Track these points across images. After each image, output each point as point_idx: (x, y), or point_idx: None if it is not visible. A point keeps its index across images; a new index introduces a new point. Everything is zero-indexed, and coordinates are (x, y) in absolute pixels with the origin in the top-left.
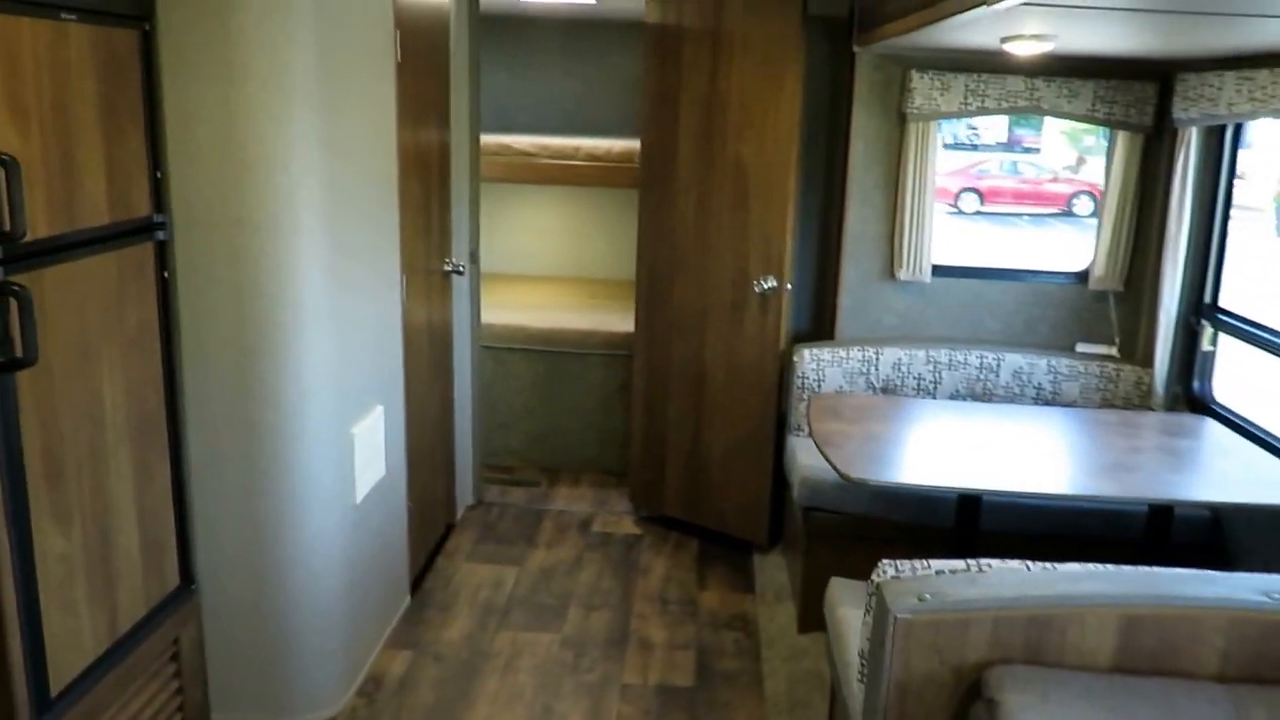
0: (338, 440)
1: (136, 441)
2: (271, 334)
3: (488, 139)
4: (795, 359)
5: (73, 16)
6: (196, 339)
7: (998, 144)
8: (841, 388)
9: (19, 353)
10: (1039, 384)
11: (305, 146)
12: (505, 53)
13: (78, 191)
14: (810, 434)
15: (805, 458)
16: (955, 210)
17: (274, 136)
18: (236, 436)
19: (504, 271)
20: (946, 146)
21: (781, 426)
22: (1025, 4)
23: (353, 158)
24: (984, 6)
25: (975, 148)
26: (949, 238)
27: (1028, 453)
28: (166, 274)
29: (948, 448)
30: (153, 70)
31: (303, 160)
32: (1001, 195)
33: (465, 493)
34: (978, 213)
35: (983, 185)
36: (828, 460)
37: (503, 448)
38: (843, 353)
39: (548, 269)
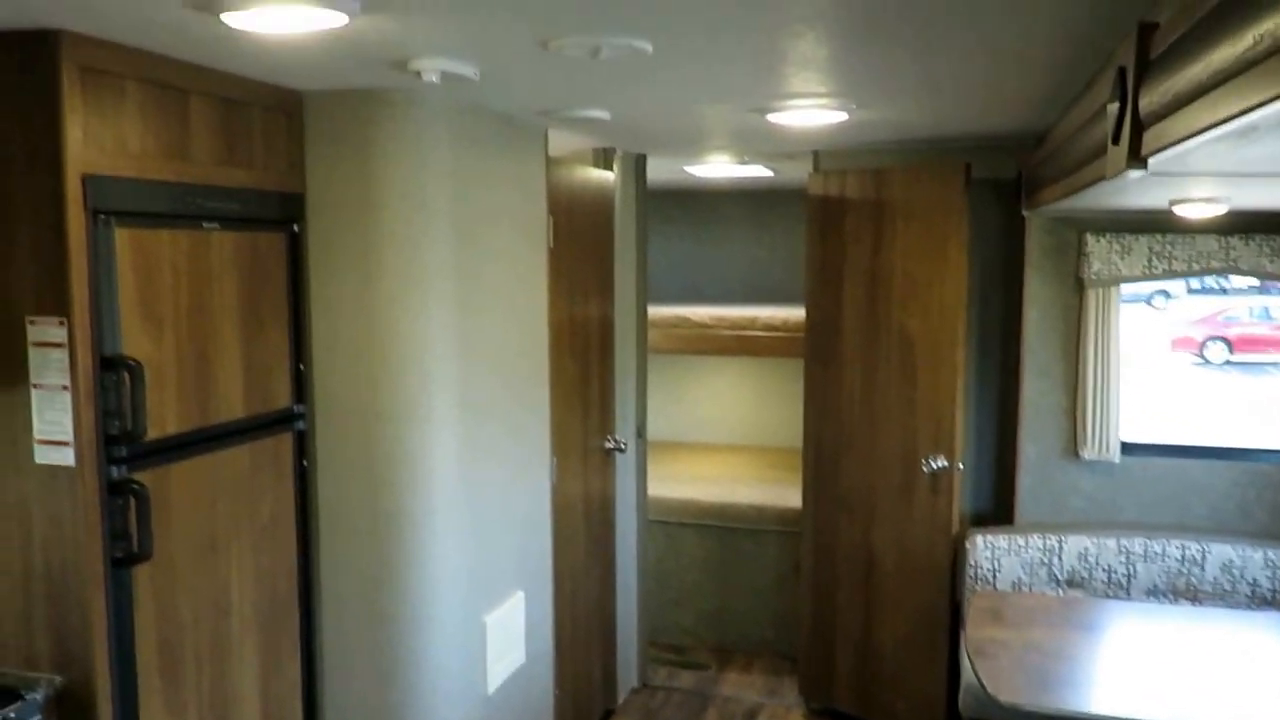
0: (468, 629)
1: (266, 630)
2: (401, 523)
3: (665, 311)
4: (968, 545)
5: (214, 225)
6: (332, 527)
7: (1249, 287)
8: (1020, 580)
9: (135, 548)
10: (1254, 580)
11: (440, 339)
12: (688, 224)
13: (211, 388)
14: (964, 640)
15: None
16: (1201, 361)
17: (409, 331)
18: (367, 625)
19: (681, 440)
20: (1191, 292)
21: (956, 618)
22: (1155, 174)
23: (494, 346)
24: (1103, 181)
25: (1224, 292)
26: (1191, 392)
27: (1235, 673)
28: (305, 463)
29: (1130, 663)
30: (299, 268)
31: (437, 353)
32: (1254, 344)
33: (629, 674)
34: (1227, 363)
35: (1231, 333)
36: (976, 676)
37: (674, 625)
38: (1021, 540)
39: (727, 438)
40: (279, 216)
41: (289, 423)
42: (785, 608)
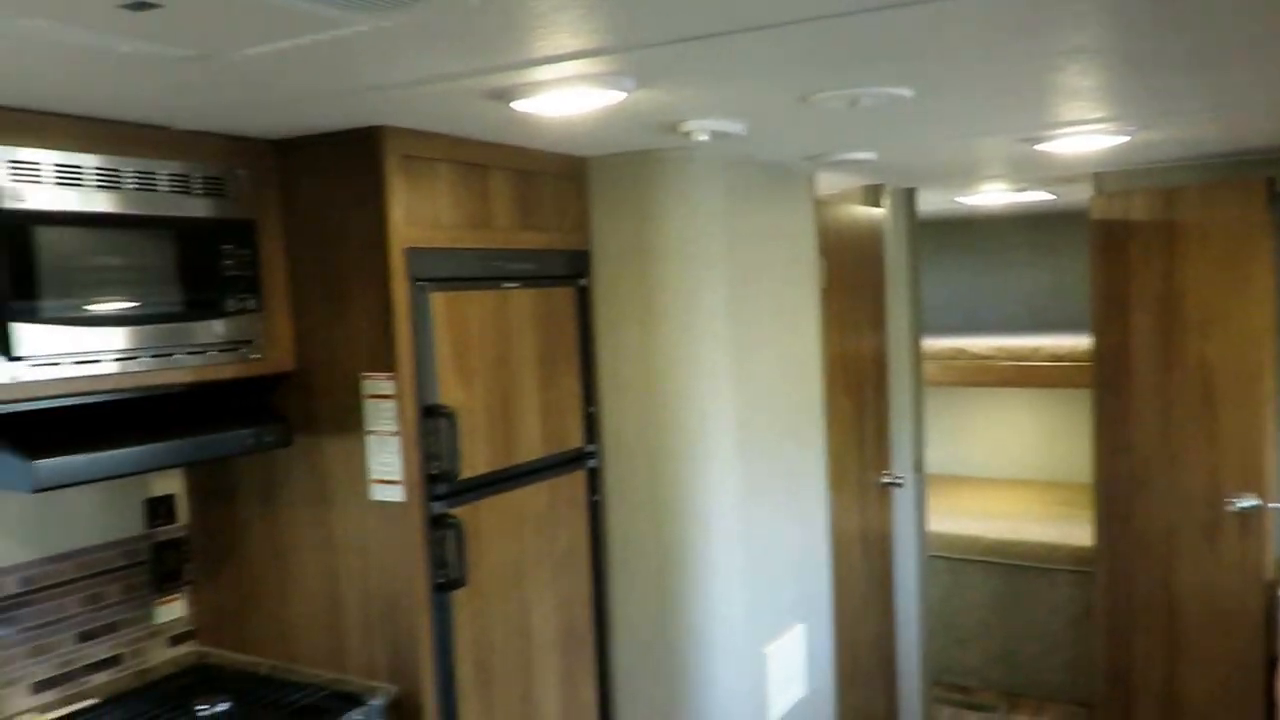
0: (749, 659)
1: (564, 655)
2: (684, 554)
3: (942, 343)
4: None
5: (514, 284)
6: (622, 558)
7: None
8: None
9: (454, 575)
10: None
11: (717, 381)
12: (964, 252)
13: (514, 432)
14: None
15: None
16: None
17: (688, 374)
18: (655, 651)
19: (961, 475)
20: None
21: (1273, 673)
22: None
23: (769, 385)
24: None
25: None
26: None
27: None
28: (597, 498)
29: None
30: (587, 319)
31: (715, 394)
32: None
33: (912, 714)
34: None
35: None
36: None
37: (958, 665)
38: None
39: (1008, 472)
40: (569, 273)
41: (582, 461)
42: (1079, 652)
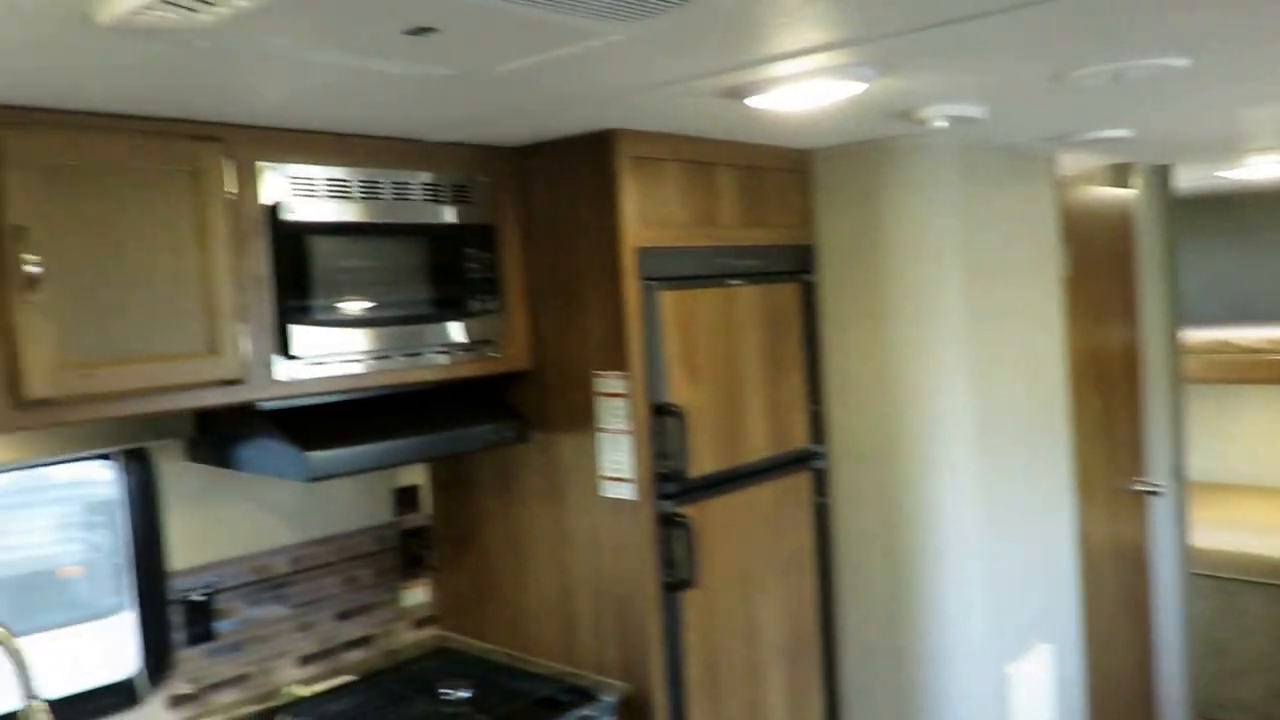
0: (989, 678)
1: (790, 660)
2: (917, 564)
3: (1203, 335)
4: None
5: (739, 281)
6: (852, 565)
7: None
8: None
9: (684, 575)
10: None
11: (951, 380)
12: (1227, 234)
13: (740, 431)
14: None
15: None
16: None
17: (919, 372)
18: (886, 661)
19: (1229, 482)
20: None
21: None
22: None
23: (1007, 383)
24: None
25: None
26: None
27: None
28: (823, 500)
29: None
30: (813, 316)
31: (948, 393)
32: None
33: None
34: None
35: None
36: None
37: (1232, 700)
38: None
39: None
40: (794, 268)
41: (807, 461)
42: None
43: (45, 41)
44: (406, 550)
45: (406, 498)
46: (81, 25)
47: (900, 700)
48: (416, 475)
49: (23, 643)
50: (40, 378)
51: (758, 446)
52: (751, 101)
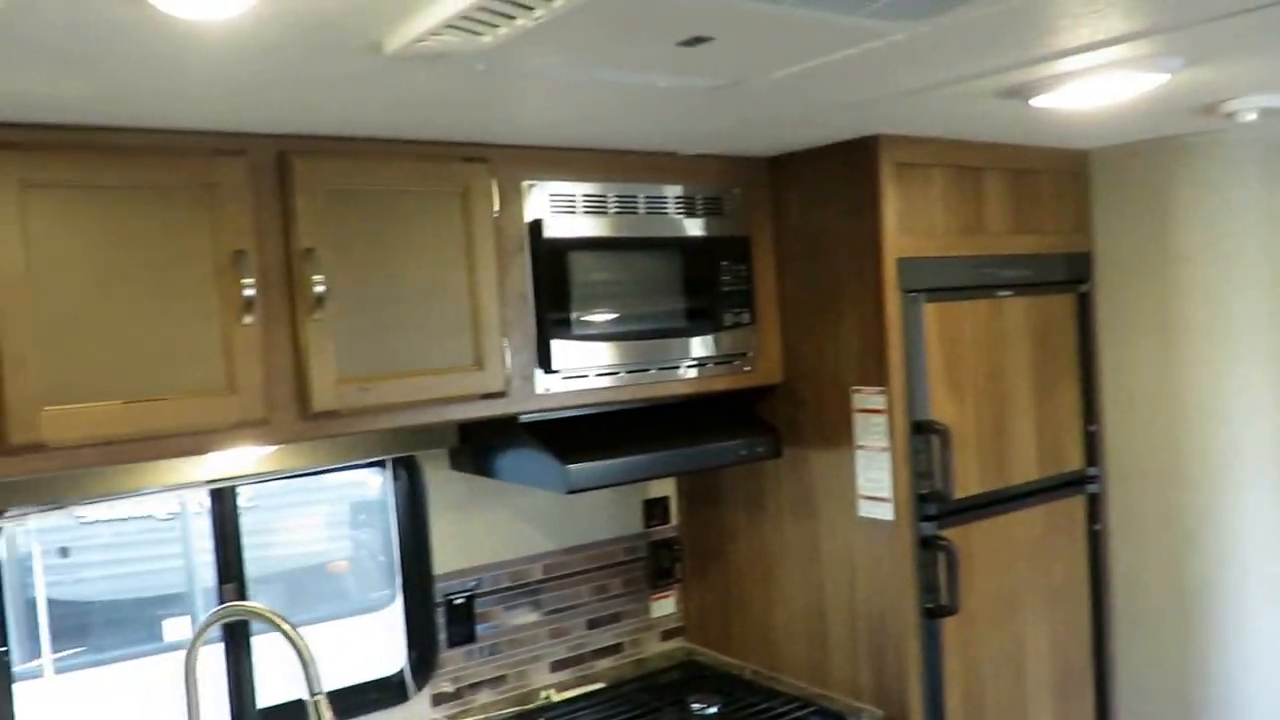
0: None
1: (1058, 696)
2: (1208, 597)
3: None
4: None
5: (1007, 292)
6: (1129, 596)
7: None
8: None
9: (944, 600)
10: None
11: (1254, 399)
12: None
13: (1007, 451)
14: None
15: None
16: None
17: (1214, 389)
18: (1167, 706)
19: None
20: None
21: None
22: None
23: None
24: None
25: None
26: None
27: None
28: (1097, 527)
29: None
30: (1087, 328)
31: (1250, 413)
32: None
33: None
34: None
35: None
36: None
37: None
38: None
39: None
40: (1067, 278)
41: (1081, 485)
42: None
43: (336, 73)
44: (655, 561)
45: (656, 509)
46: (371, 56)
47: None
48: (666, 487)
49: (307, 638)
50: (325, 392)
51: (1026, 468)
52: (1036, 101)
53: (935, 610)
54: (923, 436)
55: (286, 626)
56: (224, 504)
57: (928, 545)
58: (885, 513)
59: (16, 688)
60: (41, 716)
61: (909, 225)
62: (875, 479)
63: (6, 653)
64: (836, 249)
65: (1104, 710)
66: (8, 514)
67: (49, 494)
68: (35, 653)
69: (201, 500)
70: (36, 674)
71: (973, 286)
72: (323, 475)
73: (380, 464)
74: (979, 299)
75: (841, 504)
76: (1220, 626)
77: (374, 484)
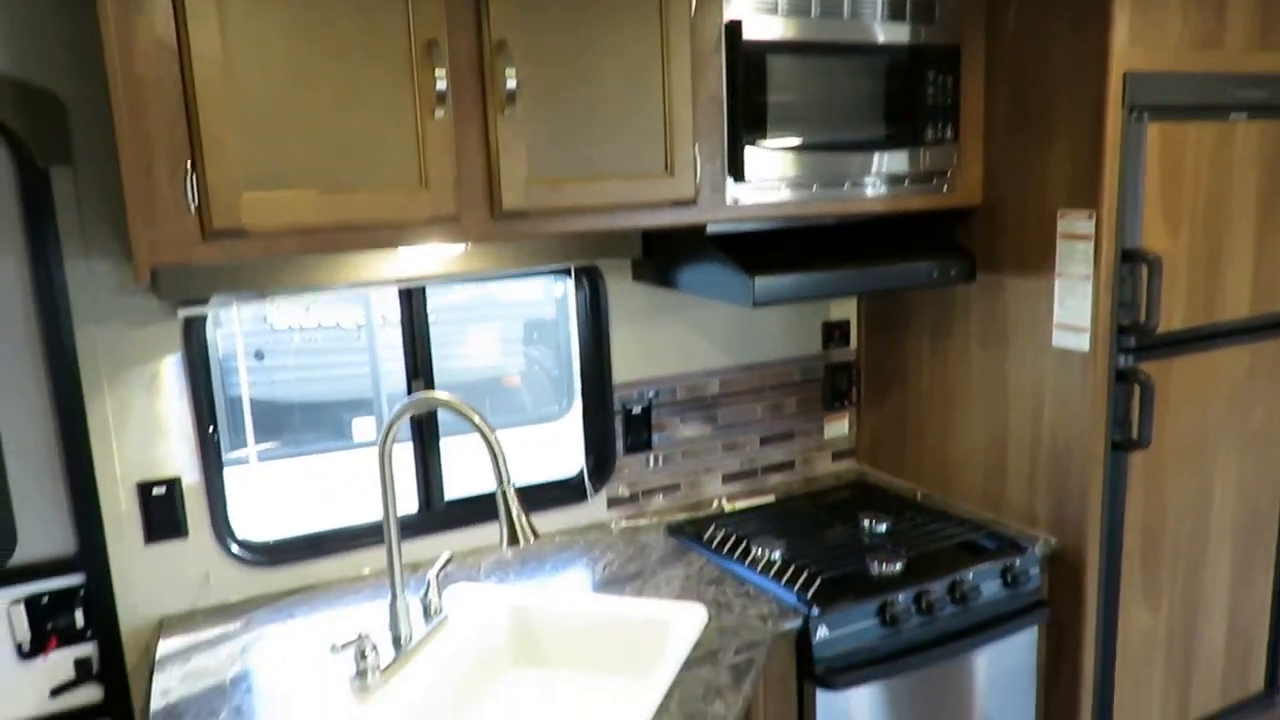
0: None
1: (1241, 541)
2: None
3: None
4: None
5: (1241, 115)
6: None
7: None
8: None
9: (1135, 435)
10: None
11: None
12: None
13: (1218, 285)
14: None
15: None
16: None
17: None
18: None
19: None
20: None
21: None
22: None
23: None
24: None
25: None
26: None
27: None
28: None
29: None
30: None
31: None
32: None
33: None
34: None
35: None
36: None
37: None
38: None
39: None
40: None
41: None
42: None
43: None
44: (831, 384)
45: (836, 332)
46: None
47: None
48: (847, 310)
49: (499, 434)
50: (514, 191)
51: (1238, 305)
52: None
53: (1124, 444)
54: (1130, 265)
55: (477, 418)
56: (413, 306)
57: (1123, 378)
58: (1081, 343)
59: (226, 470)
60: (249, 494)
61: (1140, 36)
62: (1074, 308)
63: (216, 432)
64: (1055, 60)
65: None
66: (212, 300)
67: (249, 283)
68: (239, 444)
69: (387, 313)
70: (243, 460)
71: (1204, 107)
72: (498, 293)
73: (565, 272)
74: (1208, 121)
75: (1034, 333)
76: None
77: (547, 304)
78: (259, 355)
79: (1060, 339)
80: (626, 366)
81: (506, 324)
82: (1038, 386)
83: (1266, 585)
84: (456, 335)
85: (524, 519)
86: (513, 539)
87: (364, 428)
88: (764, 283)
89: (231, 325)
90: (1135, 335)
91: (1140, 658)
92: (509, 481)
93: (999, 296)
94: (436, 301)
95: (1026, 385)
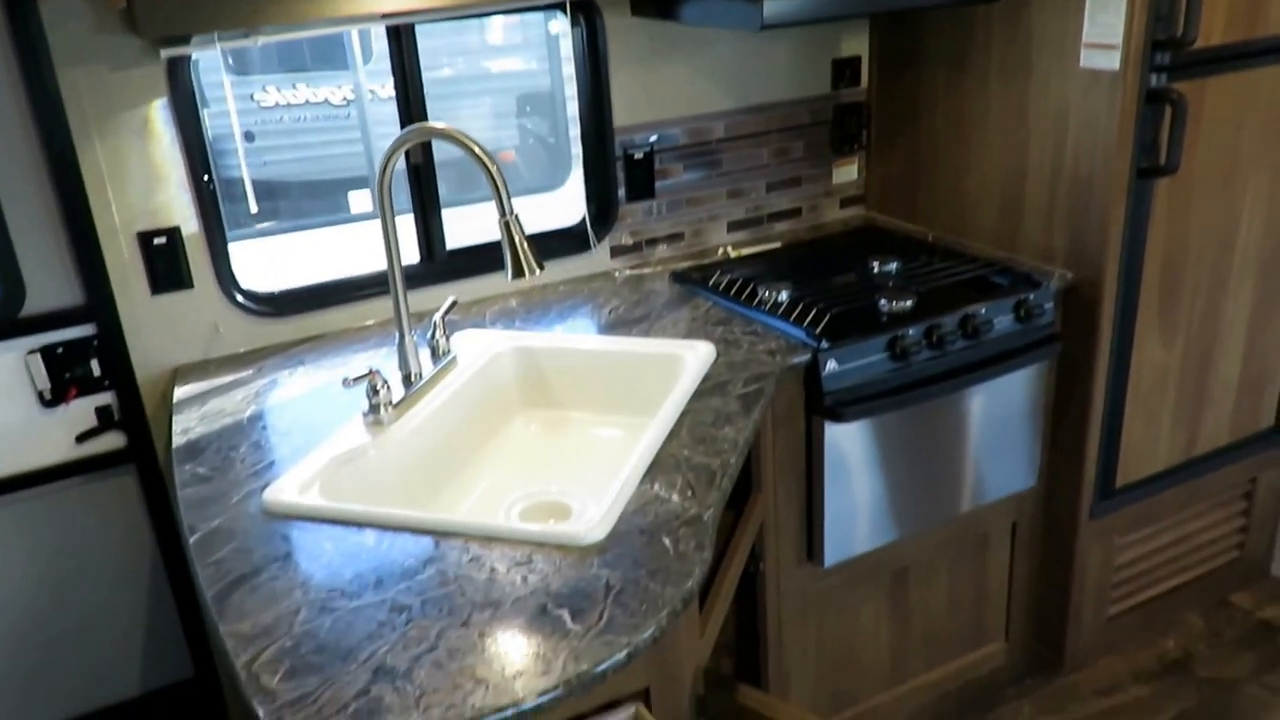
0: None
1: (1265, 273)
2: None
3: None
4: None
5: None
6: None
7: None
8: None
9: (1163, 160)
10: None
11: None
12: None
13: None
14: None
15: None
16: None
17: None
18: None
19: None
20: None
21: None
22: None
23: None
24: None
25: None
26: None
27: None
28: None
29: None
30: None
31: None
32: None
33: None
34: None
35: None
36: None
37: None
38: None
39: None
40: None
41: None
42: None
43: None
44: (841, 126)
45: (846, 70)
46: None
47: None
48: (859, 45)
49: (497, 164)
50: None
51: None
52: None
53: (1150, 170)
54: None
55: (477, 148)
56: (404, 46)
57: (1154, 98)
58: (1111, 61)
59: (231, 245)
60: (253, 266)
61: None
62: (1105, 24)
63: (211, 182)
64: None
65: None
66: (194, 41)
67: (230, 17)
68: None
69: (375, 88)
70: (243, 236)
71: None
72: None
73: (560, 8)
74: None
75: (1060, 56)
76: None
77: (540, 75)
78: (249, 137)
79: (1089, 59)
80: (627, 111)
81: (498, 99)
82: (1061, 115)
83: None
84: (448, 113)
85: (528, 251)
86: (518, 272)
87: (361, 200)
88: (773, 4)
89: (224, 104)
90: (1170, 51)
91: (1151, 392)
92: (511, 212)
93: (1023, 18)
94: (429, 79)
95: (1049, 114)
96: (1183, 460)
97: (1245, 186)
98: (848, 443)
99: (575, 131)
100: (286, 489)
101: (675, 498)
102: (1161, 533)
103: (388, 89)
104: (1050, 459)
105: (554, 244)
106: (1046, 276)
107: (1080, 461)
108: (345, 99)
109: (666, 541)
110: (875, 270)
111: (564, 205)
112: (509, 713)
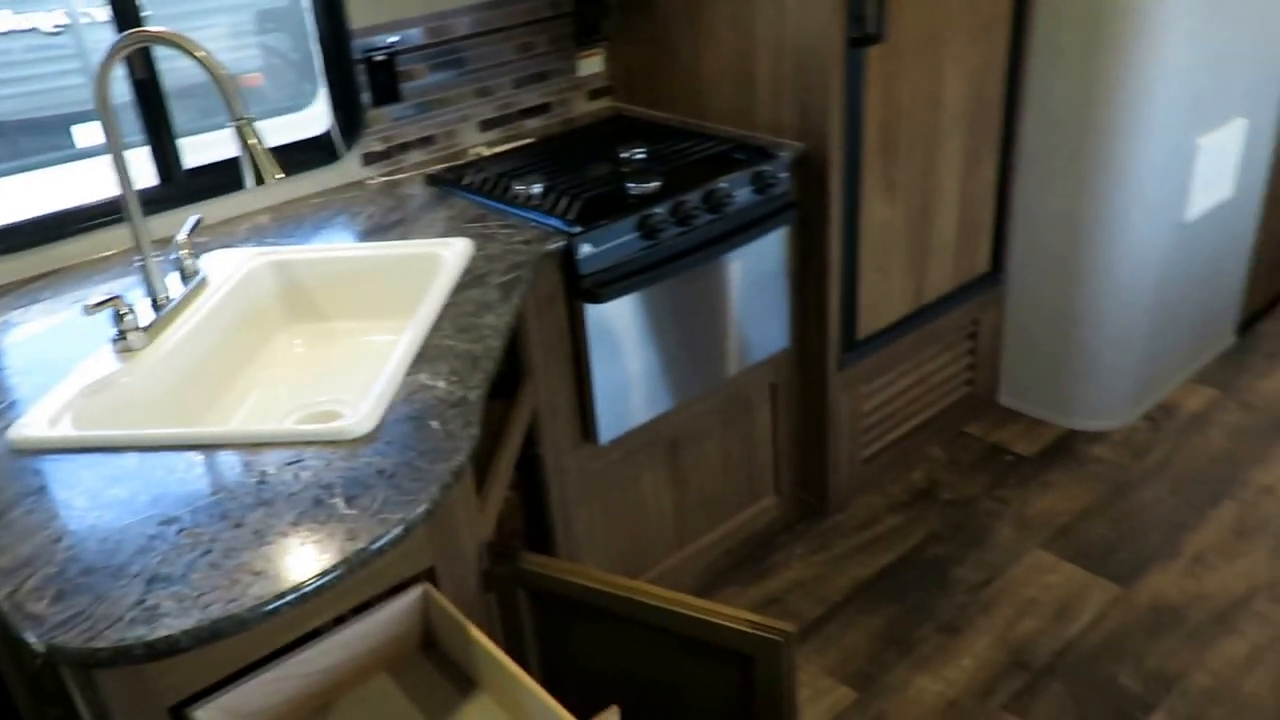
0: (1177, 151)
1: (970, 128)
2: (1120, 26)
3: None
4: None
5: None
6: (1050, 30)
7: None
8: None
9: (870, 29)
10: None
11: None
12: None
13: None
14: None
15: None
16: None
17: None
18: (1069, 131)
19: None
20: None
21: None
22: None
23: None
24: None
25: None
26: None
27: None
28: None
29: None
30: None
31: None
32: None
33: None
34: None
35: None
36: None
37: None
38: None
39: None
40: None
41: None
42: None
43: None
44: (582, 18)
45: None
46: None
47: (1079, 169)
48: None
49: (228, 71)
50: None
51: None
52: None
53: (862, 39)
54: None
55: (201, 53)
56: None
57: None
58: None
59: None
60: None
61: None
62: None
63: None
64: None
65: (1009, 138)
66: None
67: None
68: None
69: (90, 10)
70: None
71: None
72: None
73: None
74: None
75: None
76: (1128, 53)
77: None
78: None
79: None
80: (364, 12)
81: (235, 16)
82: None
83: (991, 173)
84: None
85: (267, 155)
86: (259, 178)
87: (88, 134)
88: None
89: None
90: None
91: (881, 248)
92: (243, 115)
93: None
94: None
95: None
96: (914, 309)
97: (947, 49)
98: (610, 322)
99: (313, 24)
100: (33, 424)
101: (441, 384)
102: (901, 377)
103: (107, 13)
104: (799, 320)
105: (302, 155)
106: (780, 148)
107: (824, 319)
108: (56, 26)
109: (435, 424)
110: (624, 158)
111: (316, 122)
112: (290, 597)
